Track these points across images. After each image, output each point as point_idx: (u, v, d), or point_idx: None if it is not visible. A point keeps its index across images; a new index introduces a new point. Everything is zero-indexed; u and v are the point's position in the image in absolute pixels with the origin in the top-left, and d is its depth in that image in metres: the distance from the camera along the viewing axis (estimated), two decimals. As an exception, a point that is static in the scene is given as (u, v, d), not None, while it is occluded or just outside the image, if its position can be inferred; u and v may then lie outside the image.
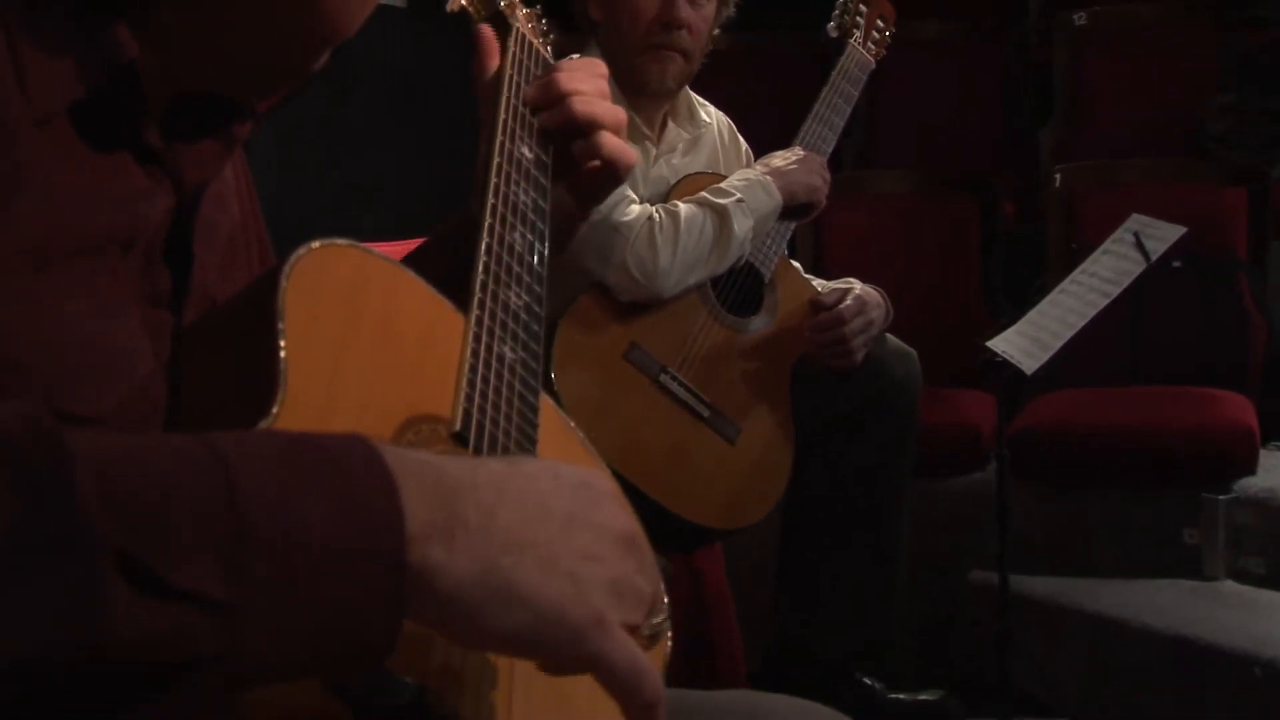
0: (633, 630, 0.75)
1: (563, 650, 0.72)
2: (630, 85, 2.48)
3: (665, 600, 0.96)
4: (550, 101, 1.13)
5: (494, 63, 1.18)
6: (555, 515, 0.73)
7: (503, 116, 1.11)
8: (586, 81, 1.14)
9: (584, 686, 0.75)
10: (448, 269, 0.95)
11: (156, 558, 0.61)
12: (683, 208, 2.42)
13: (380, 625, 0.66)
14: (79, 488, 0.61)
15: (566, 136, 1.13)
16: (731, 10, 2.63)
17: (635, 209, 2.39)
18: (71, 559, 0.60)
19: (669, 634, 0.95)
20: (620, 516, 0.77)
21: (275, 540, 0.64)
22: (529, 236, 1.03)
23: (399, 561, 0.67)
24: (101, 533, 0.61)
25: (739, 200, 2.44)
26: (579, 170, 1.15)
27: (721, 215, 2.42)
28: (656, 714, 0.74)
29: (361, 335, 0.85)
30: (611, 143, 1.13)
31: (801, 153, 2.57)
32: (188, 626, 0.62)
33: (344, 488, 0.67)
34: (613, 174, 1.15)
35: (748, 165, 2.66)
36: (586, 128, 1.13)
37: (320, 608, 0.65)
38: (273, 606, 0.63)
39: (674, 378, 2.38)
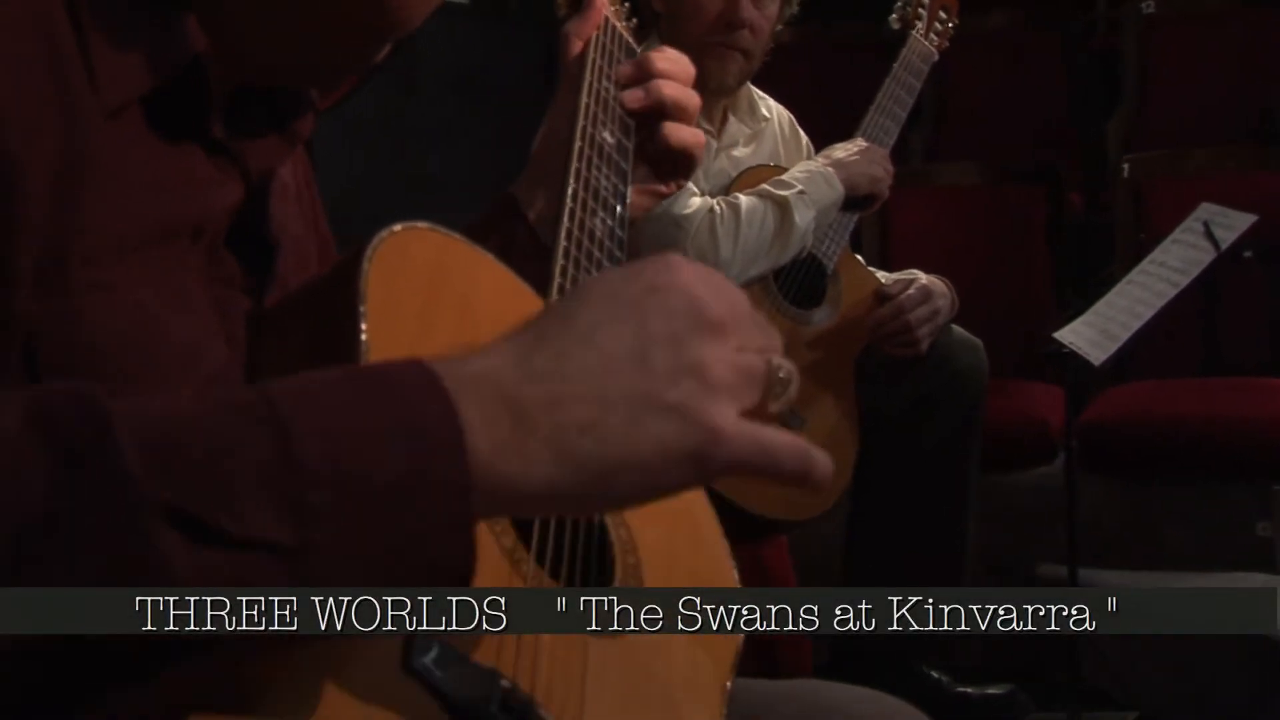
0: (761, 409, 0.72)
1: (689, 480, 0.70)
2: (689, 80, 2.48)
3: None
4: (642, 79, 1.14)
5: (579, 45, 1.18)
6: (624, 361, 0.69)
7: (585, 100, 1.10)
8: (679, 70, 1.16)
9: (659, 667, 0.74)
10: (498, 251, 0.95)
11: (210, 509, 0.61)
12: (743, 199, 2.41)
13: (452, 551, 0.65)
14: (119, 448, 0.61)
15: (649, 118, 1.14)
16: (795, 8, 2.62)
17: (696, 201, 2.39)
18: (116, 518, 0.60)
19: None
20: (697, 305, 0.71)
21: (333, 477, 0.63)
22: (609, 221, 1.02)
23: (463, 486, 0.65)
24: (145, 489, 0.60)
25: (800, 192, 2.43)
26: (658, 151, 1.15)
27: (783, 207, 2.41)
28: (811, 475, 0.72)
29: (442, 318, 0.84)
30: (691, 131, 1.14)
31: (864, 144, 2.57)
32: (255, 572, 0.62)
33: (401, 417, 0.65)
34: (689, 159, 1.15)
35: (809, 159, 2.65)
36: (674, 111, 1.13)
37: (388, 540, 0.64)
38: (339, 544, 0.63)
39: (736, 370, 2.36)
